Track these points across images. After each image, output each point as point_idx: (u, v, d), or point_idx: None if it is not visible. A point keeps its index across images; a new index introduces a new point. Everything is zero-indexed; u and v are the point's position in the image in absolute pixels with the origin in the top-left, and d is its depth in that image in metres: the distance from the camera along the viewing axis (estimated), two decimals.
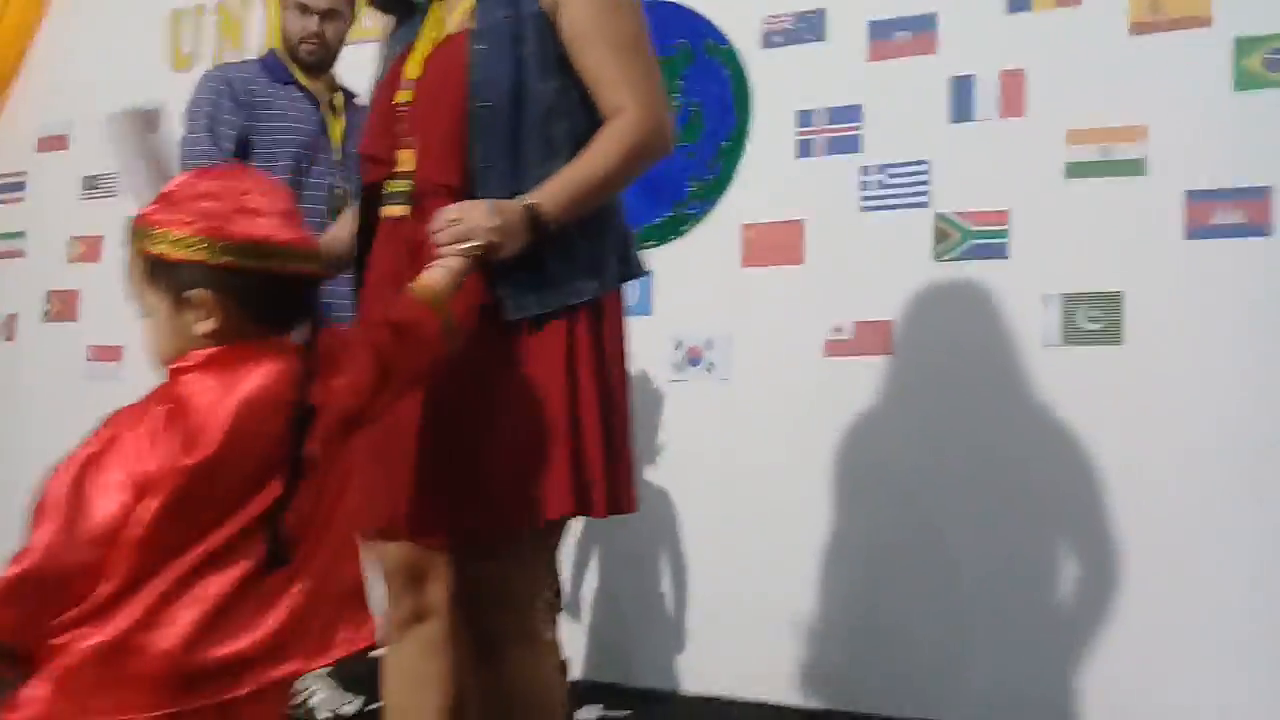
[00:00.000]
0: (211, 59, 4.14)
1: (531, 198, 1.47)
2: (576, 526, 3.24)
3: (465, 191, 1.50)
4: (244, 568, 1.18)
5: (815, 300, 3.12)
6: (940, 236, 3.00)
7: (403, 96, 1.59)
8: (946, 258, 2.99)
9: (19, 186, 4.58)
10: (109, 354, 4.14)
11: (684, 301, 3.29)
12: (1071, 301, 2.85)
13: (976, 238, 2.96)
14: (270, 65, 2.95)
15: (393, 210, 1.61)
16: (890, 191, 3.08)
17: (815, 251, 3.15)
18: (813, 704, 2.99)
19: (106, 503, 1.15)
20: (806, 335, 3.12)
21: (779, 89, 3.25)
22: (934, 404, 2.97)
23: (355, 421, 1.31)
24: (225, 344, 1.23)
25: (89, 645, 1.14)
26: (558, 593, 2.70)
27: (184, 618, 1.15)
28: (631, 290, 3.15)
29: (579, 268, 1.56)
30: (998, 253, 2.94)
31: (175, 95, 3.91)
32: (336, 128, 2.90)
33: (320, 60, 2.89)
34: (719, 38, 3.32)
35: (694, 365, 3.27)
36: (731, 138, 3.28)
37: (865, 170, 3.11)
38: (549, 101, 1.53)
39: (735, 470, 3.17)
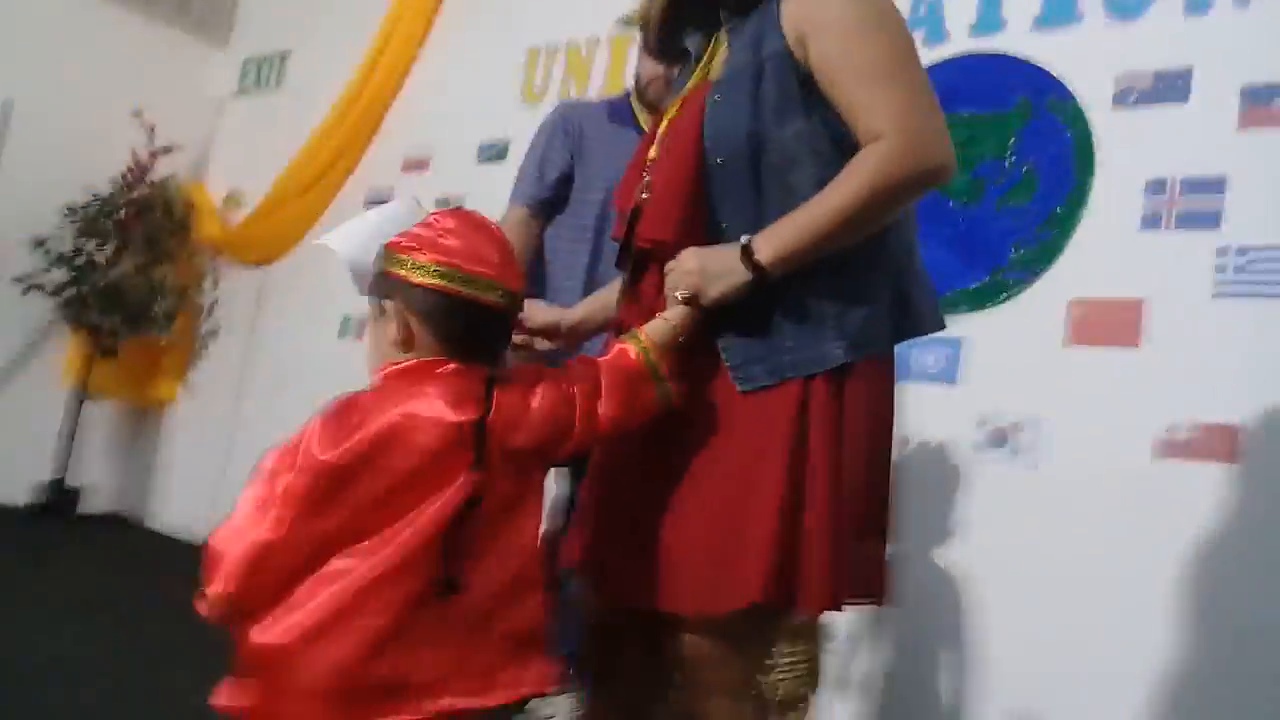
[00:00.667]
0: (558, 95, 4.35)
1: (753, 238, 1.35)
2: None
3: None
4: (414, 588, 1.18)
5: (1150, 392, 2.78)
6: None
7: (653, 153, 1.52)
8: None
9: (385, 201, 5.02)
10: None
11: (995, 377, 3.04)
12: None
13: None
14: (616, 106, 2.95)
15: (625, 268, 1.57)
16: (1252, 278, 2.68)
17: (1155, 336, 2.81)
18: None
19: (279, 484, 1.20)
20: (1134, 430, 2.78)
21: (1129, 153, 2.93)
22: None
23: (537, 457, 1.28)
24: (417, 359, 1.28)
25: (268, 643, 1.18)
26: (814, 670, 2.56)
27: (354, 631, 1.16)
28: (937, 355, 3.05)
29: (825, 329, 1.40)
30: None
31: (523, 128, 4.23)
32: None
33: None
34: (1063, 93, 3.04)
35: (998, 447, 3.00)
36: (1068, 203, 2.99)
37: (1223, 251, 2.73)
38: (789, 149, 1.39)
39: (1036, 567, 2.88)
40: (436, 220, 1.32)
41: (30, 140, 5.22)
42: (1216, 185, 2.77)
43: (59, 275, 5.09)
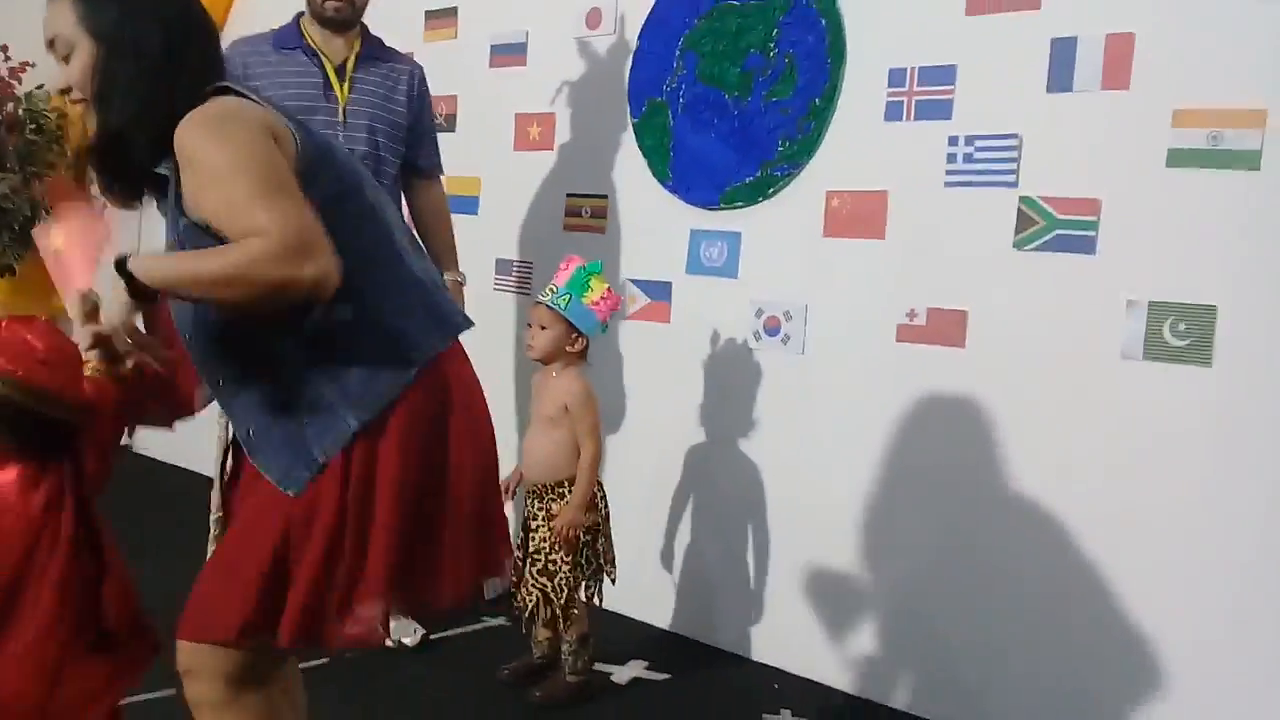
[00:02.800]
0: None
1: (132, 259, 1.48)
2: (674, 484, 3.34)
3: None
4: None
5: (892, 280, 2.92)
6: (1025, 222, 2.69)
7: None
8: (1029, 247, 2.69)
9: None
10: None
11: (768, 269, 3.18)
12: (1159, 311, 2.50)
13: (1063, 227, 2.64)
14: (281, 34, 2.95)
15: None
16: (977, 166, 2.78)
17: (896, 226, 2.93)
18: (853, 690, 2.98)
19: None
20: (881, 316, 2.94)
21: (873, 43, 2.97)
22: (999, 406, 2.74)
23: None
24: None
25: None
26: (600, 566, 2.82)
27: None
28: (720, 251, 3.19)
29: (336, 408, 1.56)
30: (1084, 247, 2.60)
31: None
32: (342, 89, 2.90)
33: (347, 19, 2.91)
34: None
35: (771, 335, 3.17)
36: (824, 95, 3.05)
37: (953, 141, 2.82)
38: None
39: (805, 448, 3.10)
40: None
41: None
42: (948, 74, 2.83)
43: None
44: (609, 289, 2.78)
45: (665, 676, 3.05)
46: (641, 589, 3.37)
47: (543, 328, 2.76)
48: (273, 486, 1.58)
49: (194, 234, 1.49)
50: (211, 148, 1.45)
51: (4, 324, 1.51)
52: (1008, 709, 2.73)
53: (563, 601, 2.74)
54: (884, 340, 2.93)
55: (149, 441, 5.12)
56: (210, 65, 1.62)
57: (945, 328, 2.83)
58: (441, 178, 3.22)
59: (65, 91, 1.61)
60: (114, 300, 1.52)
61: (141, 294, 1.49)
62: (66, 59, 1.59)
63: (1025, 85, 2.69)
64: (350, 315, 1.55)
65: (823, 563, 3.06)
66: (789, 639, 3.13)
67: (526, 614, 2.81)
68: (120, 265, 1.47)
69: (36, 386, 1.47)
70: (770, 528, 3.20)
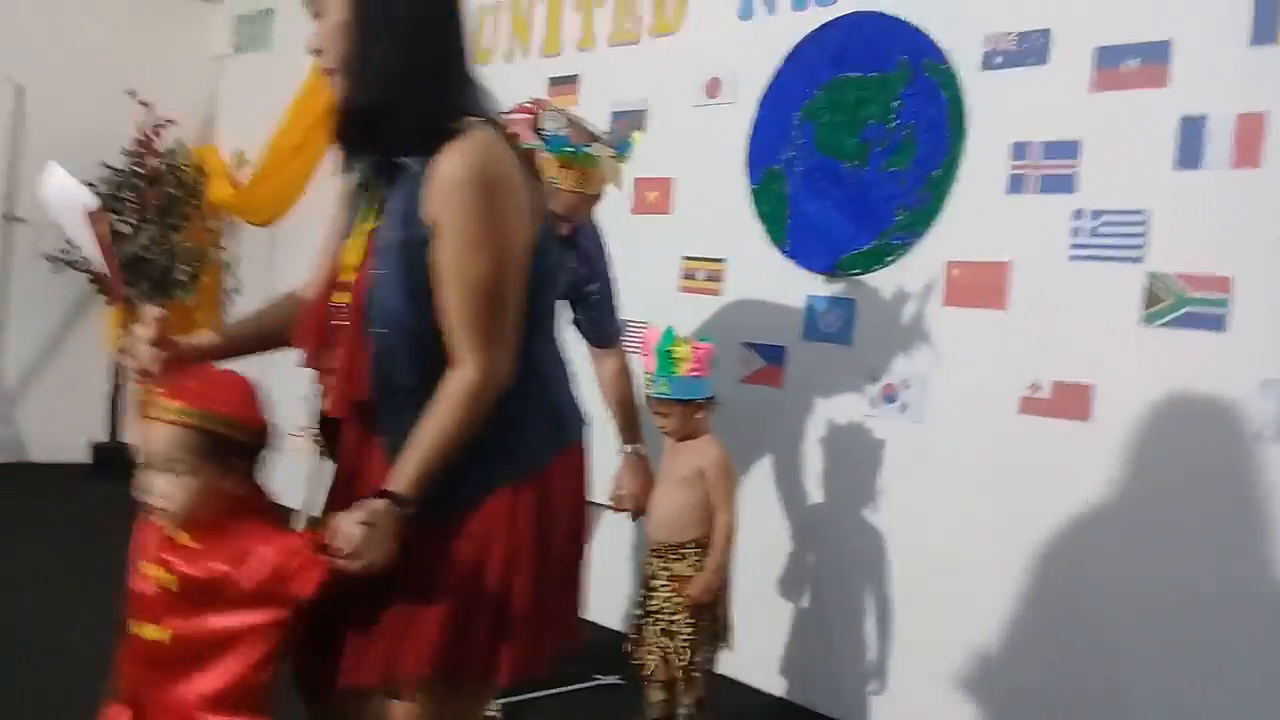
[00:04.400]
0: (503, 54, 4.48)
1: (390, 485, 1.52)
2: (789, 549, 3.36)
3: (369, 411, 1.61)
4: None
5: (1015, 351, 2.92)
6: (1152, 298, 2.68)
7: (339, 298, 1.61)
8: (1158, 323, 2.67)
9: None
10: None
11: (884, 336, 3.20)
12: None
13: (1193, 304, 2.61)
14: None
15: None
16: (1103, 241, 2.77)
17: (1019, 298, 2.93)
18: None
19: None
20: (1003, 387, 2.93)
21: (995, 117, 2.99)
22: (1126, 482, 2.71)
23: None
24: None
25: None
26: (719, 631, 2.86)
27: None
28: (836, 318, 3.23)
29: (492, 463, 1.59)
30: (1215, 324, 2.58)
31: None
32: None
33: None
34: (938, 56, 3.09)
35: (889, 403, 3.19)
36: (943, 166, 3.08)
37: (1078, 215, 2.81)
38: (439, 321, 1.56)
39: (924, 516, 3.10)
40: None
41: (45, 123, 5.60)
42: (1071, 149, 2.83)
43: None
44: (693, 345, 2.78)
45: None
46: (757, 656, 3.39)
47: (665, 415, 2.83)
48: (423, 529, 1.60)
49: (419, 249, 1.52)
50: (478, 233, 1.49)
51: (200, 370, 1.62)
52: None
53: (684, 663, 2.77)
54: (1006, 411, 2.92)
55: None
56: (469, 64, 1.58)
57: (1070, 401, 2.81)
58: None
59: (316, 53, 1.56)
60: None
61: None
62: (318, 15, 1.56)
63: (1152, 162, 2.69)
64: (526, 380, 1.61)
65: (944, 633, 3.04)
66: (909, 710, 3.11)
67: (648, 673, 2.86)
68: (395, 499, 1.51)
69: (248, 423, 1.58)
70: (890, 596, 3.19)
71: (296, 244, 5.58)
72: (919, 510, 3.12)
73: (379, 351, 1.58)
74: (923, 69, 3.12)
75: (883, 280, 3.22)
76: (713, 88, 3.70)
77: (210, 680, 1.56)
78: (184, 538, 1.58)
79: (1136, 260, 2.71)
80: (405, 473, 1.53)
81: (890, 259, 3.19)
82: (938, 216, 3.09)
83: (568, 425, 1.72)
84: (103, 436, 5.79)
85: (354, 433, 1.67)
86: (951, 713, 3.01)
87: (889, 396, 3.19)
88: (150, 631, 1.57)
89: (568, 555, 1.72)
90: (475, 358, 1.52)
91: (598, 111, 4.06)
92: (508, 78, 3.47)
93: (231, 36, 6.17)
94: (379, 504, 1.50)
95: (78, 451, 5.75)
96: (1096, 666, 2.74)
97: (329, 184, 5.46)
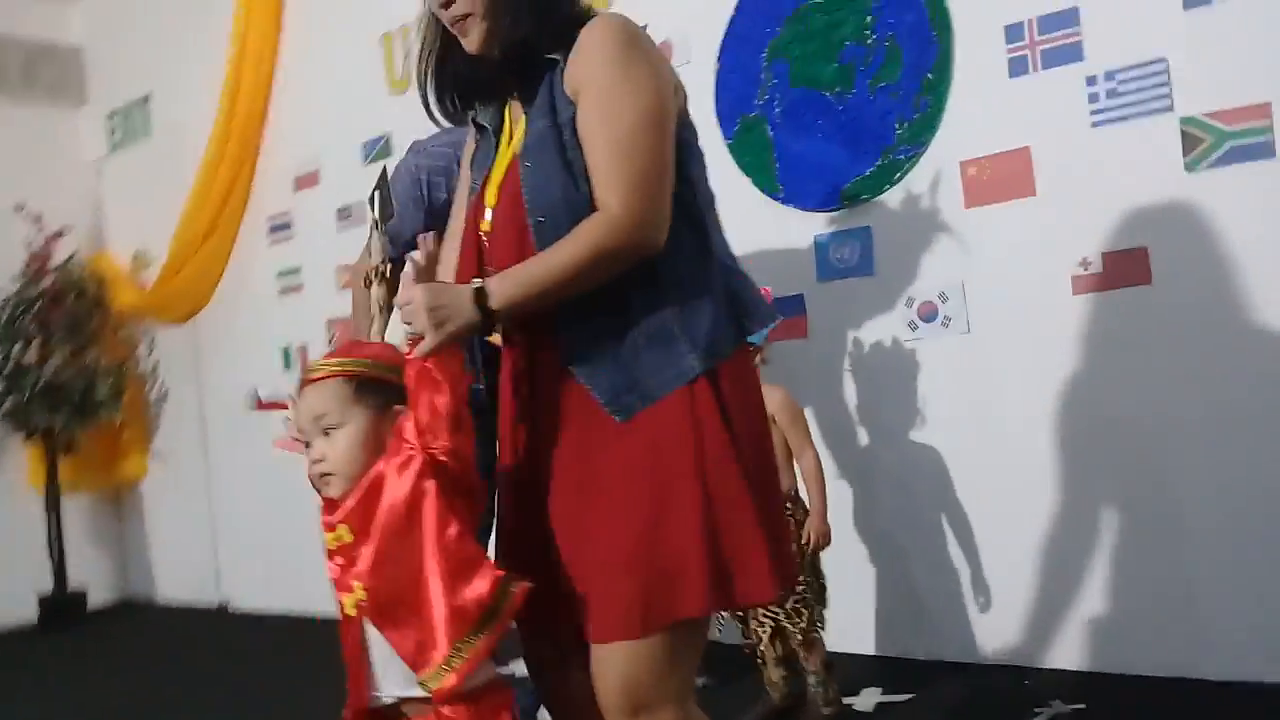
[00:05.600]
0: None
1: (486, 281, 1.42)
2: (850, 498, 3.18)
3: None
4: None
5: (1055, 234, 2.82)
6: (1191, 143, 2.61)
7: (485, 226, 1.58)
8: (1202, 167, 2.60)
9: (288, 226, 4.95)
10: None
11: (909, 256, 3.08)
12: None
13: (1234, 139, 2.55)
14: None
15: (494, 338, 1.59)
16: (1125, 100, 2.70)
17: (1048, 180, 2.84)
18: (1106, 668, 2.79)
19: None
20: (1050, 273, 2.83)
21: (979, 5, 2.91)
22: (1199, 339, 2.62)
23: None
24: None
25: None
26: (823, 588, 2.67)
27: None
28: (851, 251, 3.08)
29: (678, 344, 1.47)
30: (1262, 153, 2.52)
31: (399, 117, 4.16)
32: None
33: None
34: None
35: (929, 322, 3.05)
36: (935, 67, 2.99)
37: (1091, 81, 2.74)
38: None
39: (989, 426, 2.96)
40: None
41: None
42: (1069, 17, 2.77)
43: None
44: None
45: (908, 697, 2.85)
46: (843, 617, 3.17)
47: None
48: (616, 460, 1.45)
49: (568, 128, 1.47)
50: (621, 78, 1.45)
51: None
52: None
53: (803, 625, 2.56)
54: (1059, 297, 2.81)
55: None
56: None
57: (1126, 269, 2.72)
58: None
59: (445, 5, 1.52)
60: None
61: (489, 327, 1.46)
62: None
63: (1159, 8, 2.63)
64: (701, 258, 1.51)
65: (1030, 542, 2.89)
66: (1017, 633, 2.94)
67: (762, 650, 2.64)
68: (480, 297, 1.41)
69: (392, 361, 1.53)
70: (973, 520, 3.03)
71: (219, 338, 5.24)
72: (983, 423, 2.98)
73: (541, 245, 1.45)
74: None
75: (895, 199, 3.09)
76: (664, 52, 3.55)
77: (427, 590, 1.43)
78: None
79: (1165, 110, 2.64)
80: (506, 277, 1.42)
81: (899, 176, 3.07)
82: (941, 119, 2.99)
83: (750, 315, 1.55)
84: (48, 586, 5.27)
85: (519, 350, 1.53)
86: (1060, 623, 2.85)
87: (927, 315, 3.06)
88: (349, 602, 1.48)
89: (763, 463, 1.53)
90: (621, 199, 1.42)
91: None
92: None
93: (106, 135, 5.81)
94: (462, 287, 1.42)
95: (28, 608, 5.22)
96: (1176, 565, 2.62)
97: (250, 264, 5.12)
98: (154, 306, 5.43)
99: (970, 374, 2.99)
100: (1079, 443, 2.82)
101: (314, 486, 1.55)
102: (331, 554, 1.51)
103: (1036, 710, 2.61)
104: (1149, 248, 2.68)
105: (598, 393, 1.46)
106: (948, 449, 3.06)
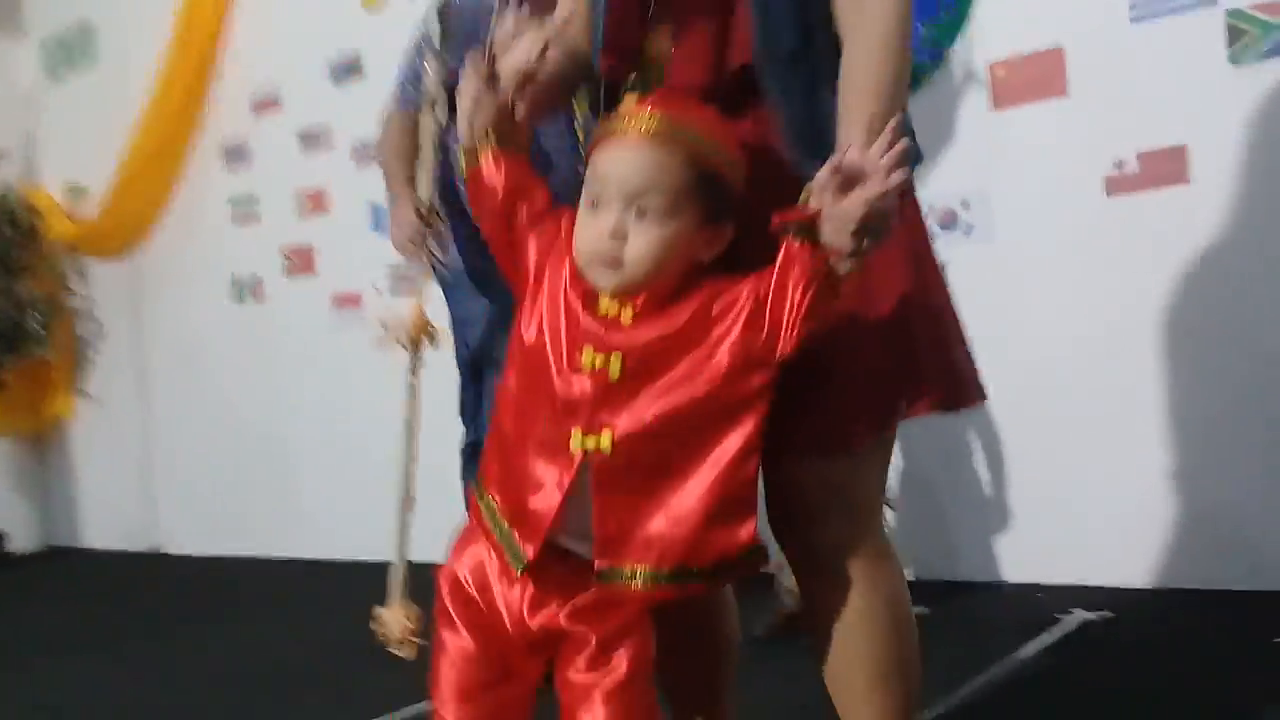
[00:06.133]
0: None
1: (868, 117, 1.17)
2: None
3: (736, 87, 1.26)
4: None
5: (1088, 136, 2.73)
6: (1236, 36, 2.54)
7: None
8: (1247, 61, 2.53)
9: (242, 148, 4.68)
10: (350, 301, 4.22)
11: (929, 160, 2.96)
12: None
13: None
14: None
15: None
16: None
17: (1081, 80, 2.75)
18: (1139, 584, 2.69)
19: None
20: (1082, 174, 2.73)
21: None
22: (1242, 240, 2.54)
23: None
24: None
25: None
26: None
27: None
28: None
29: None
30: None
31: (374, 36, 3.95)
32: None
33: None
34: None
35: (948, 230, 2.94)
36: None
37: None
38: None
39: (1017, 340, 2.84)
40: None
41: None
42: None
43: None
44: None
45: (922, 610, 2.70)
46: None
47: None
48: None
49: None
50: None
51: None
52: None
53: None
54: (1091, 200, 2.72)
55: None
56: None
57: (1163, 168, 2.63)
58: None
59: None
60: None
61: None
62: None
63: None
64: None
65: (1061, 459, 2.79)
66: (1037, 551, 2.84)
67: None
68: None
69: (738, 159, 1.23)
70: (1003, 437, 2.92)
71: (163, 270, 4.94)
72: (1008, 338, 2.85)
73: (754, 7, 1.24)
74: None
75: (918, 104, 2.97)
76: None
77: (683, 495, 1.17)
78: (626, 313, 1.18)
79: (1210, 3, 2.57)
80: (877, 97, 1.19)
81: (923, 79, 2.95)
82: (966, 22, 2.89)
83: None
84: None
85: None
86: (1078, 543, 2.75)
87: (946, 224, 2.95)
88: (581, 440, 1.17)
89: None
90: None
91: None
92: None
93: (42, 63, 5.45)
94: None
95: None
96: (1206, 474, 2.55)
97: (201, 192, 4.81)
98: (91, 237, 5.10)
99: (993, 284, 2.87)
100: (1106, 352, 2.72)
101: (577, 258, 1.19)
102: (576, 367, 1.18)
103: (1057, 615, 2.50)
104: (1188, 146, 2.60)
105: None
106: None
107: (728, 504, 1.18)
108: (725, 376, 1.16)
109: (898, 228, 1.16)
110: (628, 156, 1.16)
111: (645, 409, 1.16)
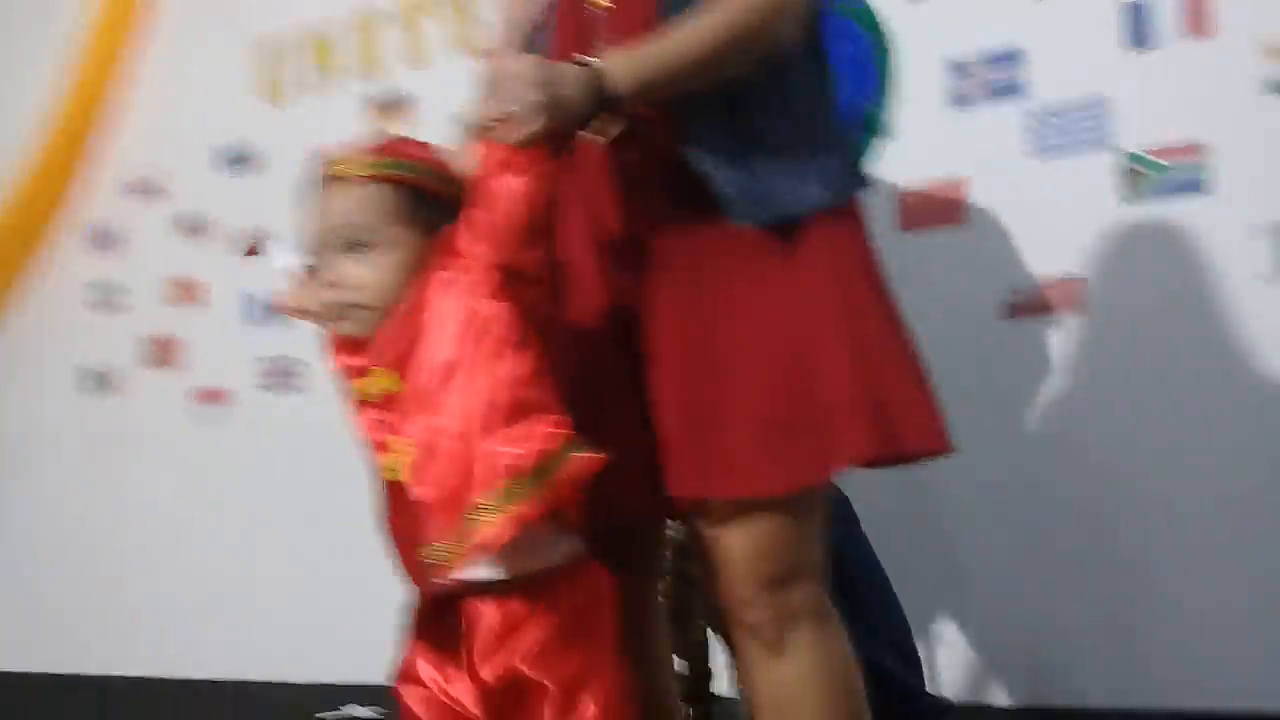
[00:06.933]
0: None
1: (604, 61, 1.20)
2: None
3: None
4: None
5: (987, 263, 2.83)
6: (1130, 178, 2.71)
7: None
8: (1139, 201, 2.69)
9: (111, 234, 4.44)
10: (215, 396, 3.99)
11: None
12: None
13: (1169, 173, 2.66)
14: None
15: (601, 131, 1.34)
16: (1062, 134, 2.79)
17: (982, 209, 2.87)
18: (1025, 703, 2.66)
19: None
20: (979, 301, 2.83)
21: (922, 38, 2.99)
22: (1135, 362, 2.66)
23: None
24: None
25: None
26: None
27: None
28: None
29: (808, 171, 1.31)
30: (1198, 189, 2.63)
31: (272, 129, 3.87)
32: None
33: None
34: None
35: None
36: (873, 98, 3.01)
37: (1030, 115, 2.83)
38: None
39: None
40: None
41: None
42: (1012, 56, 2.87)
43: None
44: None
45: None
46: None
47: None
48: (749, 289, 1.26)
49: None
50: None
51: None
52: None
53: None
54: (985, 321, 2.81)
55: None
56: None
57: (1058, 297, 2.75)
58: None
59: None
60: None
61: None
62: None
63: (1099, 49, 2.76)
64: (824, 94, 1.37)
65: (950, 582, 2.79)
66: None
67: None
68: (598, 76, 1.19)
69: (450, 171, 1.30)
70: (887, 560, 2.88)
71: (13, 360, 4.55)
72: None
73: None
74: (834, 10, 3.08)
75: None
76: None
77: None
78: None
79: (1102, 145, 2.74)
80: (633, 57, 1.20)
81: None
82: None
83: (856, 174, 1.41)
84: None
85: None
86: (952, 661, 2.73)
87: None
88: (394, 465, 1.21)
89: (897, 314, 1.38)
90: None
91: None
92: None
93: None
94: (574, 68, 1.18)
95: None
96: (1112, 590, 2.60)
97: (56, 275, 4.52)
98: None
99: None
100: (1003, 473, 2.76)
101: (318, 320, 1.26)
102: (364, 405, 1.24)
103: None
104: (1086, 280, 2.73)
105: (721, 187, 1.26)
106: (859, 484, 2.93)
107: (511, 412, 1.16)
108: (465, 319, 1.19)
109: (825, 264, 1.25)
110: (341, 200, 1.23)
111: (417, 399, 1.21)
